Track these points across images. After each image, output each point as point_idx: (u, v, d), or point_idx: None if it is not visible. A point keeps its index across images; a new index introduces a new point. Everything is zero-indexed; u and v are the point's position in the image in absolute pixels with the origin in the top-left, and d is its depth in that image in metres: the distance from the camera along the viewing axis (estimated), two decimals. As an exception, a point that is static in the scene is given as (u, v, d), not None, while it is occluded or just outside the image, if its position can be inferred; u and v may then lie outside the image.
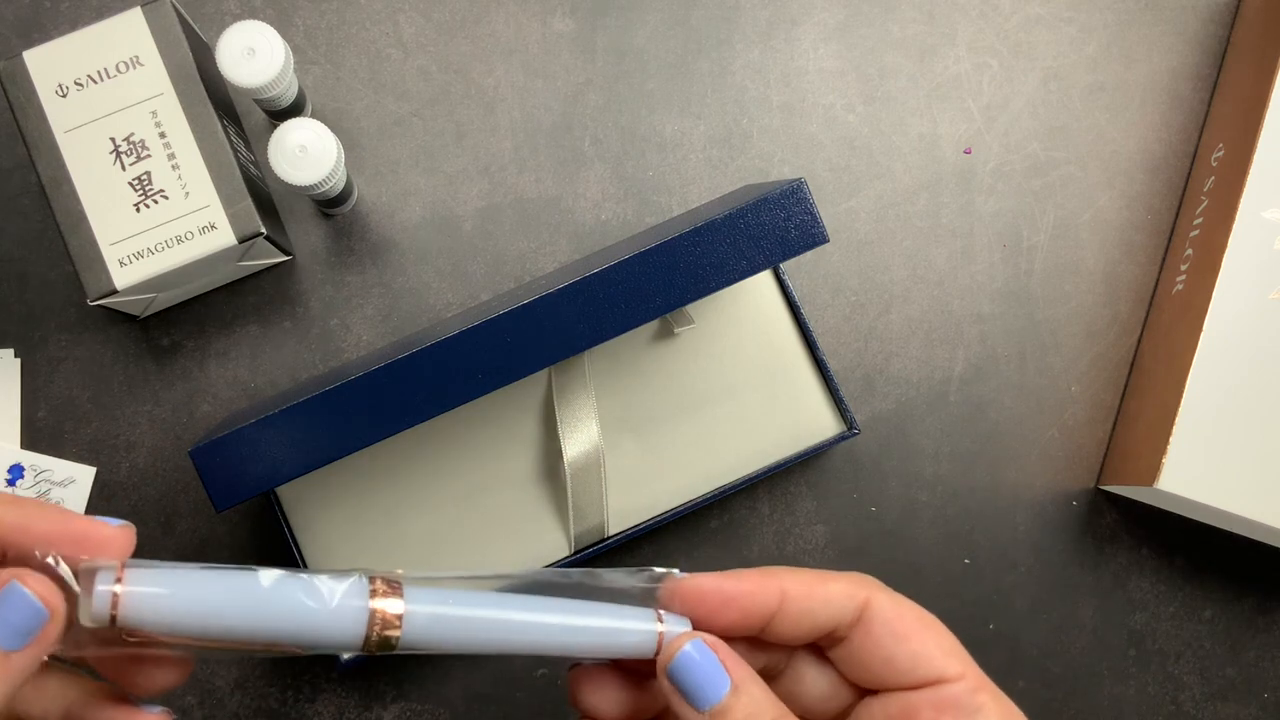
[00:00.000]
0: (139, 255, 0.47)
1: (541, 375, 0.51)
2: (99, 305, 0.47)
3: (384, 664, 0.52)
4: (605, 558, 0.53)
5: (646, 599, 0.32)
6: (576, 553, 0.50)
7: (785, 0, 0.56)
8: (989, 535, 0.54)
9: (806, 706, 0.34)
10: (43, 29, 0.54)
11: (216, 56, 0.47)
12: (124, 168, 0.48)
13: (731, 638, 0.32)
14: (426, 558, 0.50)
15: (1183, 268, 0.53)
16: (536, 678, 0.52)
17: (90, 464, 0.52)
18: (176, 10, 0.49)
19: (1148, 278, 0.55)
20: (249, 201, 0.48)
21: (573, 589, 0.31)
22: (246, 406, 0.52)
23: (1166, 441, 0.48)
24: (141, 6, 0.48)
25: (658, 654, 0.31)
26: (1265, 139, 0.50)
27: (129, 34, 0.48)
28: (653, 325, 0.51)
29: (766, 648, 0.33)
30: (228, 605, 0.27)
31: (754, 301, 0.52)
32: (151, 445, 0.53)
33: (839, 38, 0.56)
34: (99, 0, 0.55)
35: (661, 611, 0.32)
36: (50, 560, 0.27)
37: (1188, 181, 0.56)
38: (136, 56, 0.48)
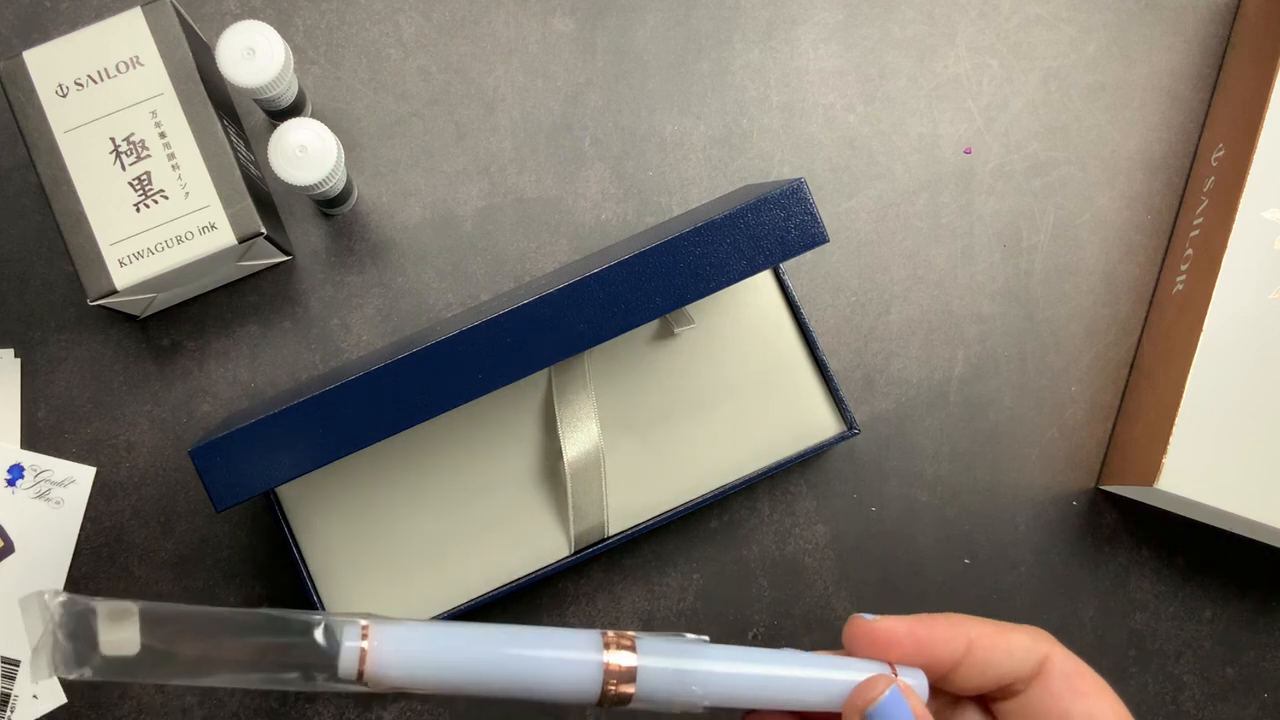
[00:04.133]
0: (139, 255, 0.47)
1: (541, 375, 0.51)
2: (99, 305, 0.47)
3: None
4: (605, 557, 0.53)
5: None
6: (576, 553, 0.50)
7: (785, 0, 0.56)
8: (989, 535, 0.54)
9: None
10: (43, 29, 0.54)
11: (216, 56, 0.47)
12: (124, 168, 0.48)
13: None
14: (427, 557, 0.50)
15: (1183, 268, 0.53)
16: (536, 678, 0.52)
17: (90, 464, 0.52)
18: (176, 10, 0.49)
19: (1148, 278, 0.55)
20: (249, 201, 0.48)
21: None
22: (246, 406, 0.52)
23: (1166, 441, 0.48)
24: (141, 6, 0.48)
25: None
26: (1265, 139, 0.50)
27: (129, 34, 0.48)
28: (653, 325, 0.51)
29: (937, 695, 0.33)
30: (466, 663, 0.28)
31: (754, 301, 0.52)
32: (151, 445, 0.53)
33: (839, 38, 0.56)
34: (99, 0, 0.55)
35: (879, 662, 0.31)
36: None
37: (1188, 181, 0.56)
38: (136, 56, 0.48)
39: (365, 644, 0.27)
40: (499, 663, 0.28)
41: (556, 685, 0.28)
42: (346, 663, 0.27)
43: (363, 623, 0.28)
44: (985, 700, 0.33)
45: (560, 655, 0.28)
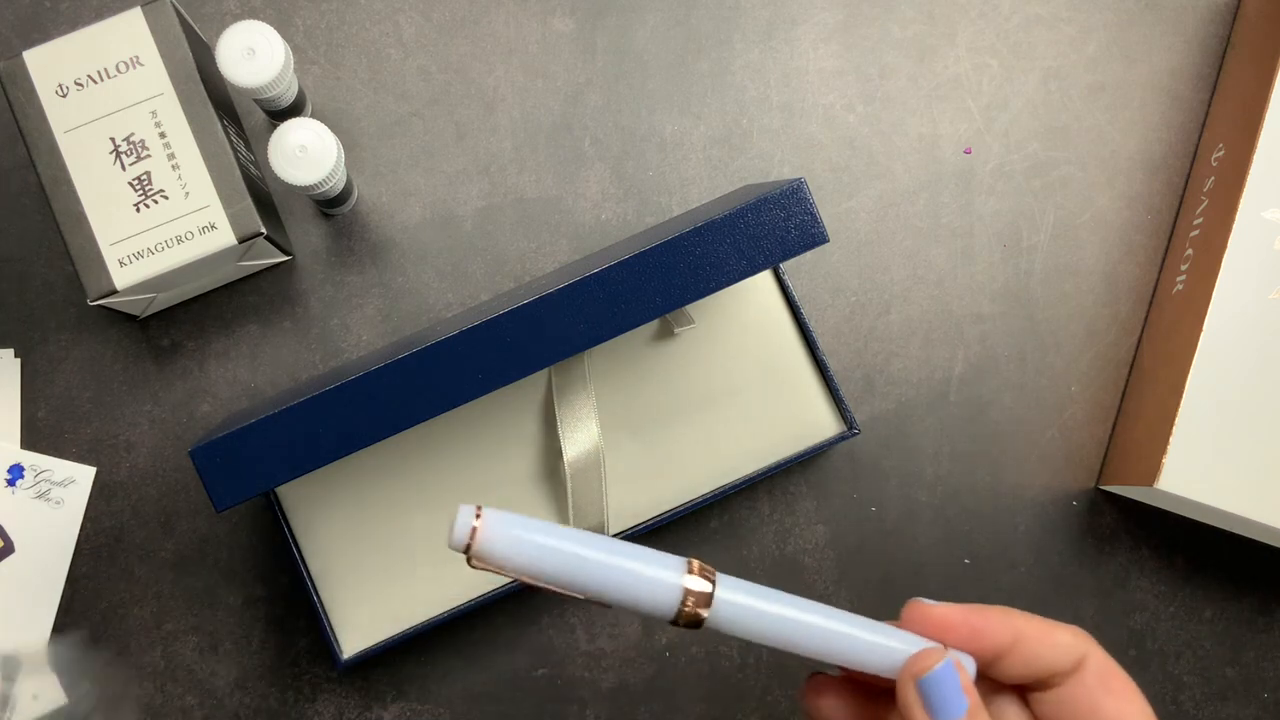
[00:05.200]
0: (139, 255, 0.47)
1: (541, 375, 0.51)
2: (99, 305, 0.47)
3: (384, 663, 0.52)
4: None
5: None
6: (576, 553, 0.50)
7: (785, 0, 0.56)
8: (989, 535, 0.54)
9: None
10: (43, 29, 0.54)
11: (216, 56, 0.47)
12: (124, 168, 0.48)
13: None
14: (427, 557, 0.50)
15: (1183, 268, 0.53)
16: (536, 677, 0.52)
17: (90, 464, 0.52)
18: (176, 10, 0.49)
19: (1148, 278, 0.55)
20: (249, 201, 0.48)
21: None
22: (246, 406, 0.52)
23: (1166, 441, 0.48)
24: (141, 6, 0.48)
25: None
26: (1265, 139, 0.50)
27: (129, 34, 0.48)
28: (653, 325, 0.51)
29: (979, 681, 0.35)
30: (559, 557, 0.31)
31: (754, 301, 0.52)
32: (151, 445, 0.53)
33: (839, 38, 0.56)
34: (99, 0, 0.55)
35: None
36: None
37: (1188, 181, 0.56)
38: (136, 56, 0.48)
39: (477, 522, 0.30)
40: (593, 566, 0.31)
41: (642, 596, 0.31)
42: (458, 535, 0.30)
43: (478, 507, 0.31)
44: (1022, 690, 0.35)
45: (649, 572, 0.31)
